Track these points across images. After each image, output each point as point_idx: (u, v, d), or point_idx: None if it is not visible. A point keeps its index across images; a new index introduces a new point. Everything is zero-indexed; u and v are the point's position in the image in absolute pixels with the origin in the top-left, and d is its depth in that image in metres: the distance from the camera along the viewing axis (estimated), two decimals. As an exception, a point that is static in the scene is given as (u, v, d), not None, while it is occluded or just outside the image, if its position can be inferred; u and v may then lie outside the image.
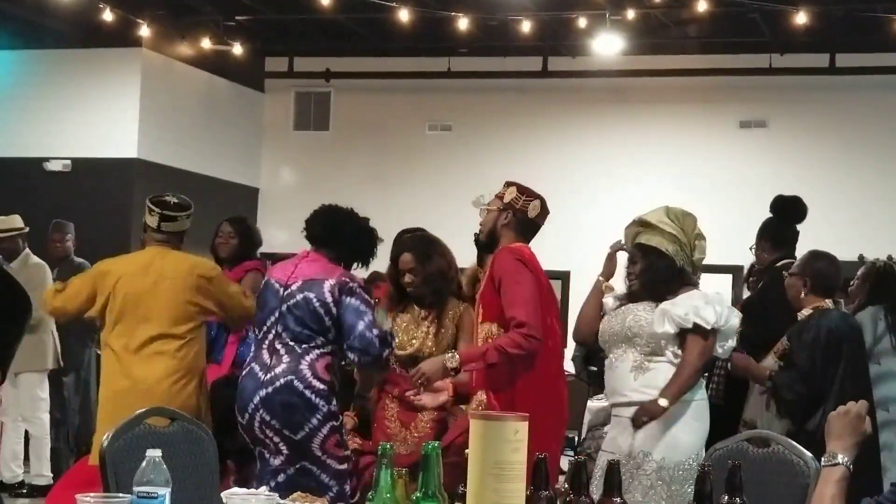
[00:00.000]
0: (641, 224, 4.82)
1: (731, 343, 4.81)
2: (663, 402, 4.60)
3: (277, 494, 3.26)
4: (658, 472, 4.55)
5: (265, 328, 5.06)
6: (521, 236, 4.93)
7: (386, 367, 5.22)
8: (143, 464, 2.76)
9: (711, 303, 4.64)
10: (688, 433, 4.62)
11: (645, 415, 4.62)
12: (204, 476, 3.59)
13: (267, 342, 5.03)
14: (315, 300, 4.95)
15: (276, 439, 4.95)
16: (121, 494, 2.81)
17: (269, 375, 4.96)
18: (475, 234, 5.27)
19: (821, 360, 5.21)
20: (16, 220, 8.58)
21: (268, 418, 4.95)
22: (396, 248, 5.54)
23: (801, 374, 5.25)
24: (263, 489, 3.43)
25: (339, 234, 5.19)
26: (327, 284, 4.96)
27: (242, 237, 6.66)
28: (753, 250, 6.50)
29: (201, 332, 5.58)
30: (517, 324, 4.67)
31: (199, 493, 3.44)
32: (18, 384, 8.36)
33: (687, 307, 4.63)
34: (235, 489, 3.21)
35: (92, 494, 2.73)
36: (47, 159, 11.46)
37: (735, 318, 4.72)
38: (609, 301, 5.00)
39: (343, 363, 5.34)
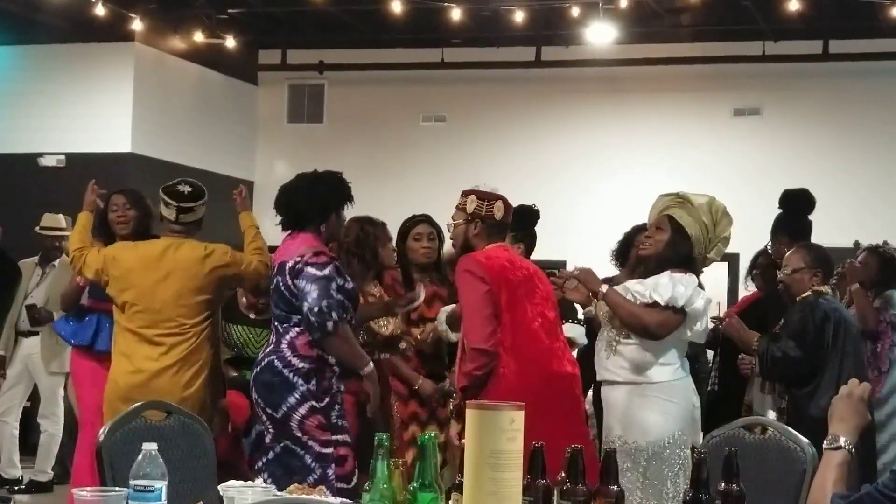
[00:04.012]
0: (682, 199, 4.86)
1: (699, 327, 4.79)
2: (603, 288, 4.79)
3: (261, 479, 3.27)
4: (632, 455, 4.58)
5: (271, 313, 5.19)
6: (493, 239, 5.01)
7: (332, 334, 4.96)
8: (140, 457, 2.77)
9: (674, 282, 4.66)
10: (660, 414, 4.64)
11: (580, 277, 4.86)
12: (201, 469, 3.60)
13: (272, 325, 5.17)
14: (281, 283, 5.01)
15: (264, 417, 5.02)
16: (117, 488, 2.81)
17: (261, 356, 5.08)
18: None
19: (813, 331, 5.22)
20: (60, 220, 8.58)
21: (255, 397, 5.04)
22: (411, 224, 5.93)
23: (789, 338, 5.27)
24: (262, 484, 3.42)
25: (302, 206, 5.16)
26: (287, 267, 5.01)
27: (140, 208, 6.26)
28: (769, 247, 6.50)
29: (212, 324, 5.65)
30: (469, 347, 4.83)
31: (195, 487, 3.44)
32: (41, 383, 8.37)
33: (648, 284, 4.69)
34: (232, 481, 3.20)
35: (88, 488, 2.73)
36: (41, 154, 11.44)
37: (700, 302, 4.71)
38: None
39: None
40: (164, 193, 5.69)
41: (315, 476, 4.84)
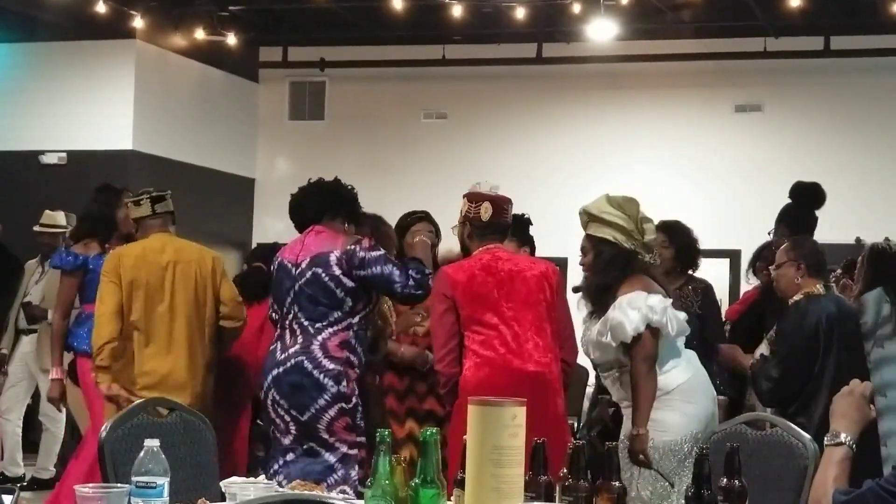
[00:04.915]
0: (586, 215, 4.81)
1: (671, 330, 4.62)
2: (640, 431, 4.57)
3: (276, 482, 3.27)
4: (650, 453, 4.55)
5: (284, 309, 5.11)
6: (485, 241, 5.08)
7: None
8: (142, 454, 2.77)
9: (625, 312, 4.55)
10: (678, 414, 4.60)
11: (637, 453, 4.57)
12: (203, 465, 3.60)
13: (287, 322, 5.08)
14: (324, 275, 4.97)
15: (287, 419, 4.97)
16: (119, 485, 2.81)
17: (283, 356, 5.01)
18: None
19: (803, 346, 5.15)
20: (59, 218, 8.56)
21: (278, 398, 4.98)
22: (410, 221, 5.84)
23: (778, 361, 5.22)
24: (265, 480, 3.42)
25: (322, 202, 5.21)
26: (333, 257, 4.98)
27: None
28: (772, 235, 6.46)
29: (215, 323, 5.65)
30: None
31: (197, 483, 3.45)
32: (41, 381, 8.35)
33: (606, 327, 4.59)
34: (234, 478, 3.21)
35: (91, 485, 2.73)
36: (43, 152, 11.44)
37: (656, 315, 4.57)
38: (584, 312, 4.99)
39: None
40: (131, 198, 5.75)
41: (336, 476, 4.82)
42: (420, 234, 5.78)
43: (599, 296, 4.73)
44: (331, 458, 4.90)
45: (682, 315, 4.75)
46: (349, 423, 4.92)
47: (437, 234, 5.91)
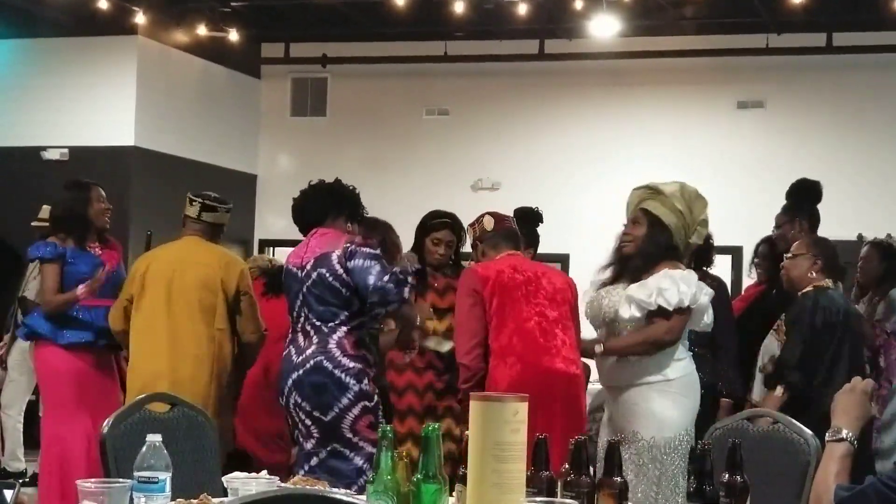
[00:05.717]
0: (653, 190, 4.80)
1: (707, 319, 4.74)
2: (598, 349, 4.74)
3: (279, 478, 3.27)
4: (650, 451, 4.56)
5: (295, 313, 5.12)
6: (500, 249, 5.25)
7: (407, 301, 5.10)
8: (144, 449, 2.78)
9: (677, 283, 4.58)
10: (676, 410, 4.62)
11: (586, 352, 4.82)
12: (204, 461, 3.61)
13: (299, 325, 5.09)
14: (328, 275, 4.98)
15: (308, 422, 4.96)
16: (121, 480, 2.82)
17: (300, 358, 5.00)
18: None
19: (819, 328, 5.16)
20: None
21: (299, 400, 4.96)
22: (434, 224, 5.81)
23: (795, 344, 5.21)
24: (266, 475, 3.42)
25: (324, 204, 5.22)
26: (335, 256, 4.99)
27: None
28: (775, 230, 6.42)
29: (230, 325, 5.64)
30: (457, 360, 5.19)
31: (199, 478, 3.45)
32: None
33: (651, 289, 4.60)
34: (236, 473, 3.21)
35: (93, 480, 2.74)
36: (44, 148, 11.43)
37: (705, 297, 4.65)
38: (590, 285, 4.99)
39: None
40: (191, 194, 5.81)
41: (366, 477, 4.80)
42: (439, 245, 5.76)
43: (634, 268, 4.74)
44: (358, 459, 4.89)
45: (711, 312, 4.79)
46: (372, 422, 4.91)
47: (458, 240, 5.88)
